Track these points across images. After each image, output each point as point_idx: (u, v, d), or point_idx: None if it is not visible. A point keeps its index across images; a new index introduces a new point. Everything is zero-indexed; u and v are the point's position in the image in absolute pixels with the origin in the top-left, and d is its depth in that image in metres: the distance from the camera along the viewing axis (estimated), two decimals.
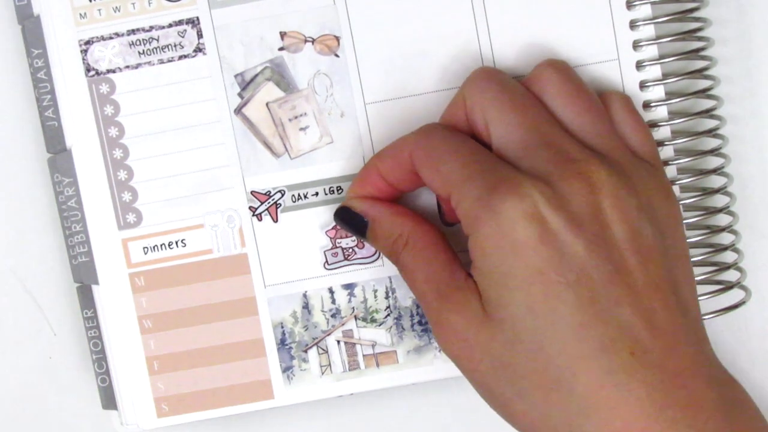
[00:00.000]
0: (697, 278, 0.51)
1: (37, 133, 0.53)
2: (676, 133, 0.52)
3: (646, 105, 0.51)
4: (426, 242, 0.48)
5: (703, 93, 0.52)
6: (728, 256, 0.53)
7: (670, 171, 0.51)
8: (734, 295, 0.52)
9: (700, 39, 0.51)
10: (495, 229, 0.43)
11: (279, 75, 0.51)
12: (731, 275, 0.53)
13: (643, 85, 0.51)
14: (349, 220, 0.50)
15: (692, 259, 0.51)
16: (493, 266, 0.44)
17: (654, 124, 0.51)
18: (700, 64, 0.52)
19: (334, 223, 0.51)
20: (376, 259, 0.52)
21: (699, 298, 0.50)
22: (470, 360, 0.45)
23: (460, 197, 0.45)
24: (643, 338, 0.42)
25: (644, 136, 0.48)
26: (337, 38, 0.51)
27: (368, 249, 0.52)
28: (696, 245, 0.52)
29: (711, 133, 0.52)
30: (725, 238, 0.53)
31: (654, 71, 0.51)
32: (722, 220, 0.53)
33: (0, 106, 0.54)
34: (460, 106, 0.48)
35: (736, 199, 0.53)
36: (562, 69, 0.48)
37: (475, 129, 0.48)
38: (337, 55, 0.51)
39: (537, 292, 0.43)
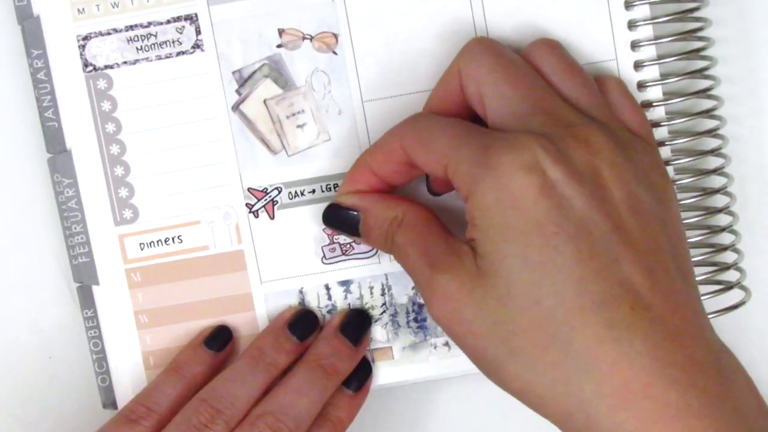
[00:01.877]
0: (697, 278, 0.54)
1: (37, 133, 0.55)
2: (676, 133, 0.55)
3: (645, 105, 0.54)
4: (419, 219, 0.50)
5: (704, 93, 0.55)
6: (728, 256, 0.56)
7: (669, 171, 0.54)
8: (734, 295, 0.55)
9: (700, 39, 0.55)
10: (493, 184, 0.45)
11: (277, 72, 0.55)
12: (731, 275, 0.56)
13: (642, 86, 0.54)
14: (339, 218, 0.53)
15: (692, 260, 0.54)
16: (491, 221, 0.45)
17: (654, 124, 0.54)
18: (700, 64, 0.55)
19: None
20: (373, 255, 0.56)
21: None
22: (462, 322, 0.46)
23: (456, 164, 0.47)
24: (644, 294, 0.44)
25: (640, 117, 0.51)
26: (336, 36, 0.54)
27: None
28: (696, 245, 0.55)
29: (711, 133, 0.55)
30: (725, 238, 0.56)
31: (653, 71, 0.54)
32: (722, 220, 0.56)
33: (0, 106, 0.57)
34: (454, 77, 0.51)
35: (736, 199, 0.56)
36: (557, 46, 0.52)
37: (470, 101, 0.50)
38: (335, 53, 0.55)
39: (534, 244, 0.44)
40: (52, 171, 0.55)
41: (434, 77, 0.53)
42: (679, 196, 0.55)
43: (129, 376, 0.55)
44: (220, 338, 0.55)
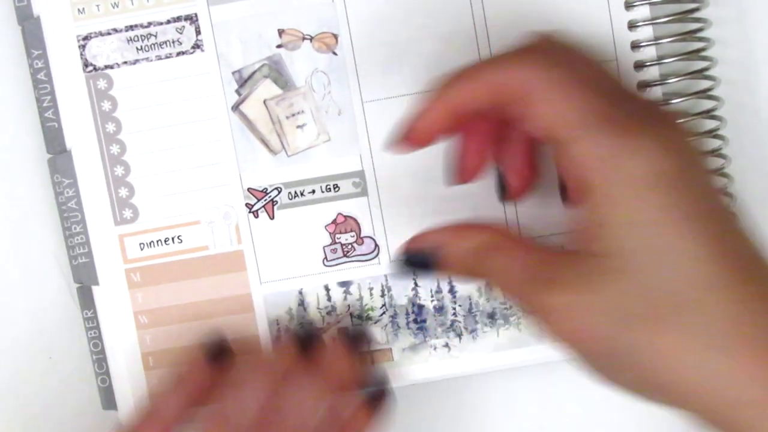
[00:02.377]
0: None
1: (37, 133, 0.56)
2: None
3: None
4: (503, 241, 0.47)
5: (704, 93, 0.55)
6: None
7: None
8: None
9: (700, 39, 0.55)
10: (639, 166, 0.43)
11: (277, 72, 0.55)
12: None
13: (642, 86, 0.55)
14: (416, 264, 0.50)
15: None
16: (617, 217, 0.43)
17: None
18: (700, 64, 0.56)
19: (332, 219, 0.56)
20: (374, 257, 0.56)
21: None
22: (590, 337, 0.44)
23: (587, 148, 0.43)
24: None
25: None
26: (336, 36, 0.55)
27: (367, 246, 0.56)
28: None
29: (711, 133, 0.56)
30: None
31: (653, 72, 0.55)
32: None
33: (0, 107, 0.58)
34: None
35: (737, 199, 0.56)
36: None
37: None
38: (335, 53, 0.55)
39: (659, 233, 0.42)
40: (52, 171, 0.56)
41: (433, 78, 0.52)
42: None
43: (129, 376, 0.56)
44: (220, 352, 0.54)
